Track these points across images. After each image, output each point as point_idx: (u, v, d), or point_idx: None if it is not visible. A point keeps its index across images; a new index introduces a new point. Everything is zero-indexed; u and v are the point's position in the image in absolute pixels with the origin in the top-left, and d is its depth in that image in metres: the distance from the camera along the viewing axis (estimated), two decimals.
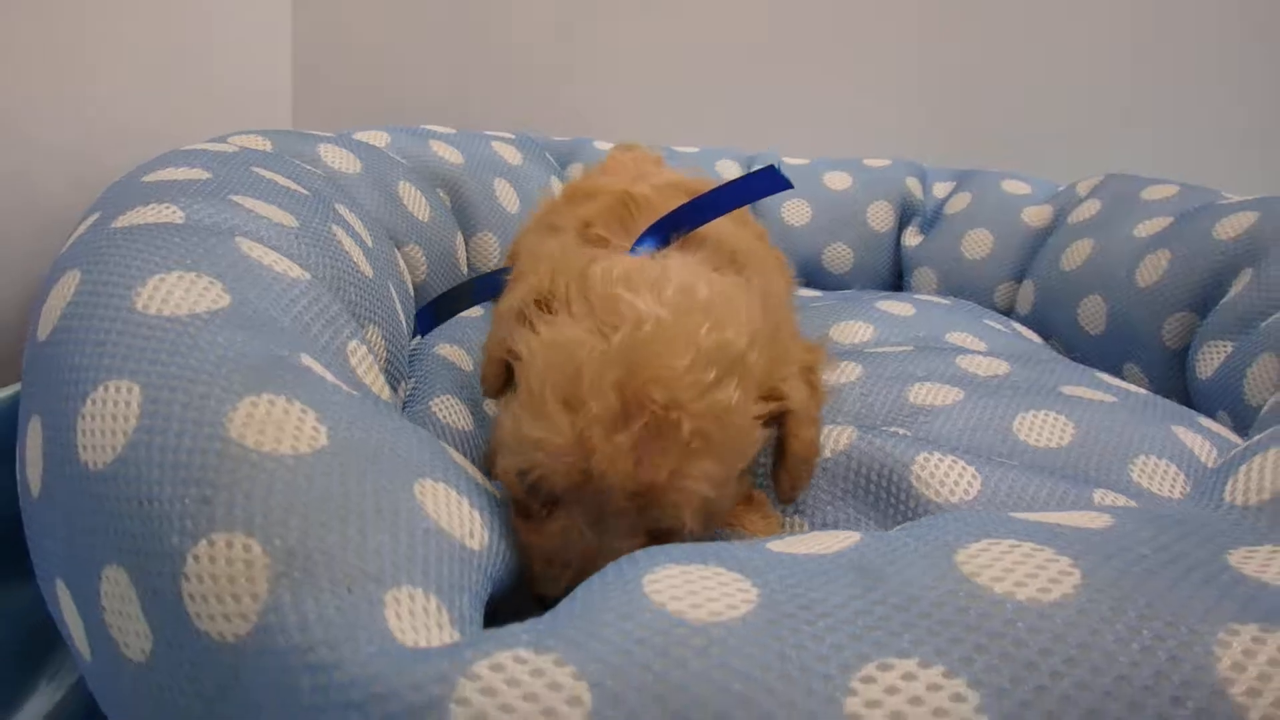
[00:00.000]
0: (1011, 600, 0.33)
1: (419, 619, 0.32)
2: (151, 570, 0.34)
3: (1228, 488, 0.46)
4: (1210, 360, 0.94)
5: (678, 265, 0.53)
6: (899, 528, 0.44)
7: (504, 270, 0.71)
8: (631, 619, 0.31)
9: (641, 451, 0.43)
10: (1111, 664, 0.30)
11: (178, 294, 0.45)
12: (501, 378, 0.54)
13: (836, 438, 0.63)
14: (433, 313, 0.80)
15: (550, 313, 0.49)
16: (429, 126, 1.27)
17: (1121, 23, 1.63)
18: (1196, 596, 0.33)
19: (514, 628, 0.31)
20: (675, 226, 0.70)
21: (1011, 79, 1.69)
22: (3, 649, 0.67)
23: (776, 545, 0.41)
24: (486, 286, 0.80)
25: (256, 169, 0.74)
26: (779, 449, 0.53)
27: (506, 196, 1.26)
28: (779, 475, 0.54)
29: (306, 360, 0.44)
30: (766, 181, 0.71)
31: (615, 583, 0.34)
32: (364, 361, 0.54)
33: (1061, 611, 0.32)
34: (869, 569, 0.35)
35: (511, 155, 1.35)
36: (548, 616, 0.33)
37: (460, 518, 0.39)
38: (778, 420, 0.52)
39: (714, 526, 0.51)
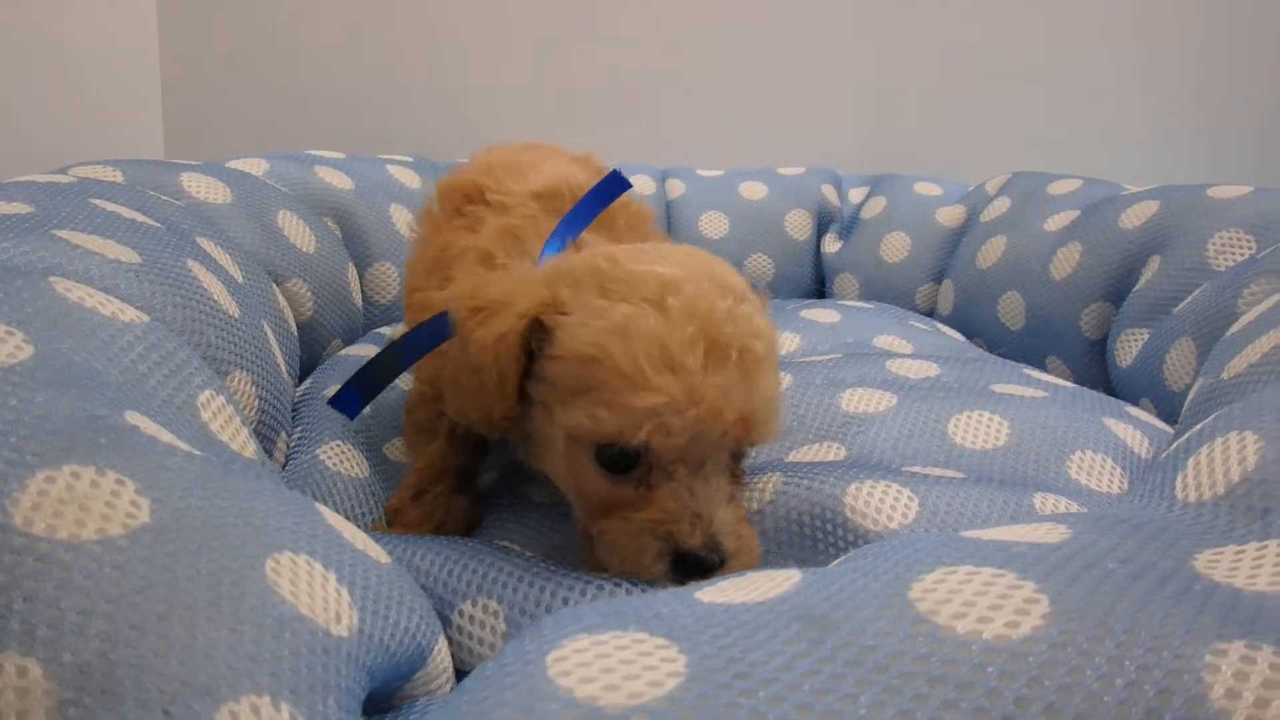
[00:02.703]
0: (977, 640, 0.28)
1: None
2: None
3: (1177, 483, 0.42)
4: (1129, 348, 0.93)
5: (628, 246, 0.57)
6: (843, 559, 0.39)
7: (436, 322, 0.59)
8: (533, 712, 0.25)
9: (741, 380, 0.50)
10: (1097, 707, 0.26)
11: None
12: (519, 377, 0.53)
13: (762, 489, 0.59)
14: (358, 392, 0.64)
15: (566, 314, 0.51)
16: (314, 152, 1.18)
17: (1024, 24, 1.66)
18: (1174, 614, 0.29)
19: None
20: (561, 241, 0.68)
21: (918, 85, 1.70)
22: None
23: (707, 594, 0.35)
24: (416, 346, 0.63)
25: (95, 201, 0.65)
26: None
27: (405, 223, 1.17)
28: None
29: (134, 418, 0.37)
30: (614, 186, 0.73)
31: (514, 664, 0.28)
32: (220, 414, 0.47)
33: (1034, 648, 0.27)
34: (815, 617, 0.30)
35: (409, 179, 1.26)
36: (433, 714, 0.27)
37: (325, 598, 0.32)
38: None
39: None
